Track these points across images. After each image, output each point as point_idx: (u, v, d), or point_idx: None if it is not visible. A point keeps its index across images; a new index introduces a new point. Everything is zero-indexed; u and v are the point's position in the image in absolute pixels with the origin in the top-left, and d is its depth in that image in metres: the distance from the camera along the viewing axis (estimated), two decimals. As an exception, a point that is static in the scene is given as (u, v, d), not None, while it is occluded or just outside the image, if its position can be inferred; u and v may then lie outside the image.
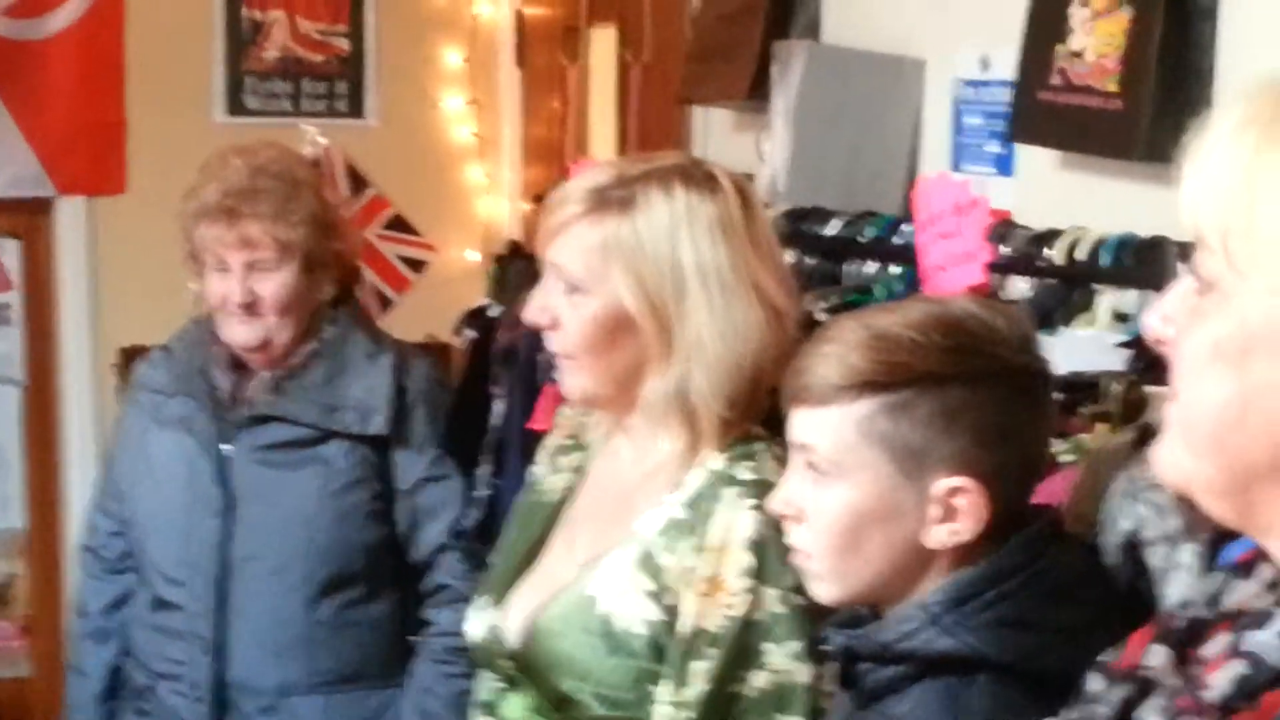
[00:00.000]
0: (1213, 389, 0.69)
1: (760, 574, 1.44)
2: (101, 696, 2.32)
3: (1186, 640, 0.78)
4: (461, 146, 3.46)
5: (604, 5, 3.09)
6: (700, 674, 1.48)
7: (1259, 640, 0.71)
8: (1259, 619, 0.73)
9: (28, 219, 3.29)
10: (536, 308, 1.53)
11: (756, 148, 2.29)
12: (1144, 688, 0.80)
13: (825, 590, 1.21)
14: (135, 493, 2.25)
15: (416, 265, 3.42)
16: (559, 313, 1.52)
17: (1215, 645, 0.74)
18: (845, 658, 1.21)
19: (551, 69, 3.34)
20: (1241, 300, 0.68)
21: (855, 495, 1.16)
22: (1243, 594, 0.77)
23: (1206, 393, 0.70)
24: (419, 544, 2.18)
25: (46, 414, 3.36)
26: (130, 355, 2.77)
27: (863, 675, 1.20)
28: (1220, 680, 0.71)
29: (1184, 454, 0.73)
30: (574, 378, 1.54)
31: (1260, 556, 0.76)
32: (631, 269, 1.49)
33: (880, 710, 1.17)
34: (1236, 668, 0.70)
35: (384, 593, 2.23)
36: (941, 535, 1.14)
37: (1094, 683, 0.85)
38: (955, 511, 1.13)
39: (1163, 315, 0.76)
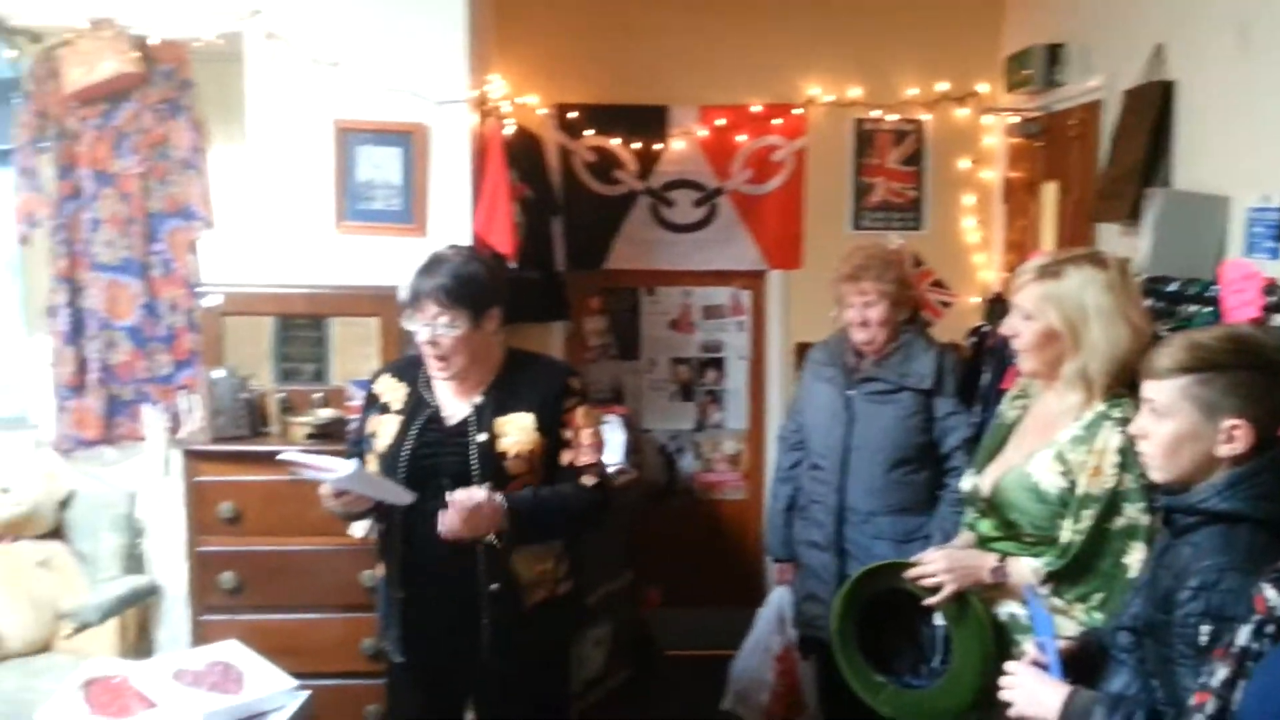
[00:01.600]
0: None
1: (1123, 466, 2.14)
2: (785, 508, 3.53)
3: None
4: (972, 243, 5.07)
5: (1051, 169, 4.30)
6: (1086, 516, 2.16)
7: None
8: None
9: (754, 281, 5.28)
10: (1007, 326, 2.35)
11: (1134, 245, 3.15)
12: None
13: (1157, 476, 1.75)
14: (804, 412, 3.49)
15: (946, 305, 5.08)
16: (1019, 330, 2.32)
17: None
18: (1166, 511, 1.72)
19: (1022, 203, 4.66)
20: None
21: (1175, 427, 1.68)
22: None
23: None
24: (944, 445, 3.23)
25: (759, 374, 5.36)
26: (802, 347, 4.21)
27: (1176, 521, 1.67)
28: None
29: None
30: (1025, 363, 2.36)
31: None
32: (1059, 308, 2.26)
33: (1185, 540, 1.64)
34: None
35: (925, 468, 3.26)
36: (1224, 450, 1.63)
37: None
38: (1233, 438, 1.62)
39: None
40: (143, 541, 3.76)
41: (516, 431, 2.62)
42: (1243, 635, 1.44)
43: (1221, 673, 1.43)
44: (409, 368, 2.78)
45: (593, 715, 3.63)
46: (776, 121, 5.20)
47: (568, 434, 2.67)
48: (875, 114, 5.14)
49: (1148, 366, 1.76)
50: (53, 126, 3.87)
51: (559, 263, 5.25)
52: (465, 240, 3.88)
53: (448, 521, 2.45)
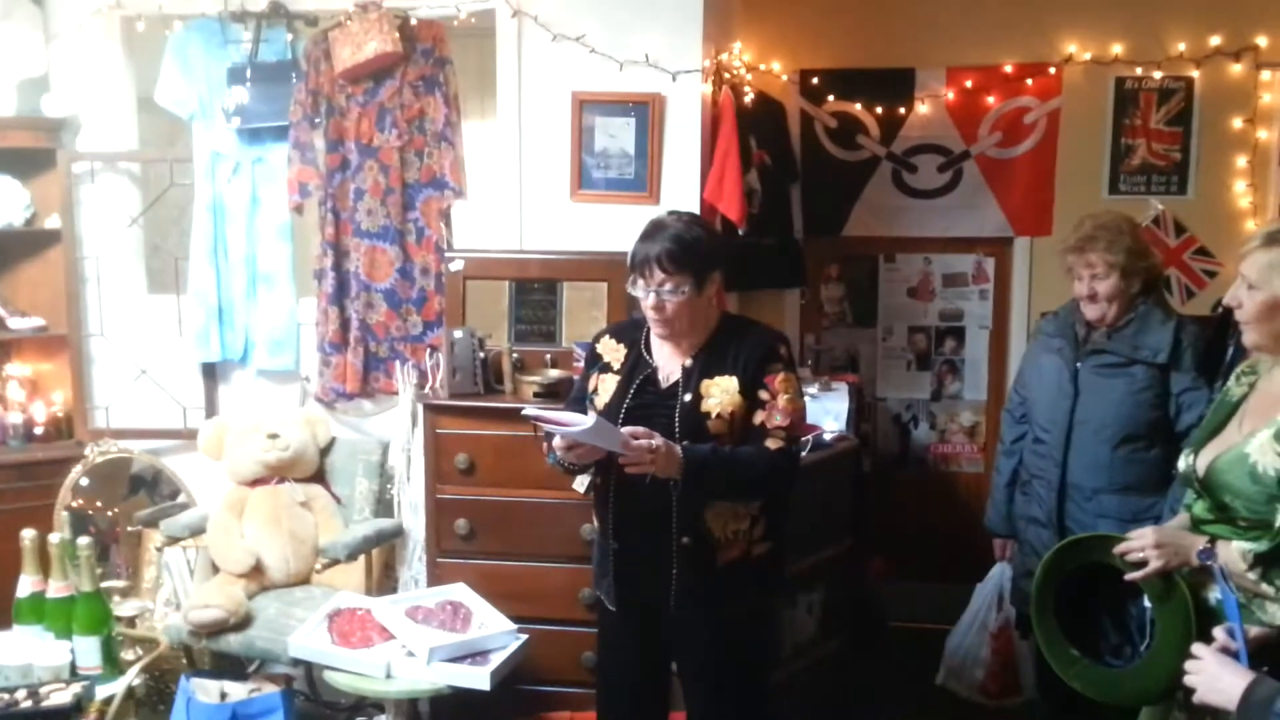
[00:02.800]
0: None
1: None
2: (1007, 483, 3.52)
3: None
4: (1243, 209, 4.83)
5: None
6: None
7: None
8: None
9: (999, 248, 5.21)
10: (1231, 297, 2.29)
11: None
12: None
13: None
14: (1029, 384, 3.45)
15: (1210, 274, 4.88)
16: (1242, 300, 2.25)
17: None
18: None
19: None
20: None
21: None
22: None
23: None
24: (1180, 422, 3.12)
25: (1001, 345, 5.26)
26: (1043, 315, 3.80)
27: None
28: None
29: None
30: (1248, 335, 2.29)
31: None
32: None
33: None
34: None
35: (1156, 445, 3.15)
36: None
37: None
38: None
39: None
40: (392, 487, 4.07)
41: (720, 393, 2.69)
42: None
43: None
44: (629, 330, 2.91)
45: (802, 680, 3.65)
46: (1029, 82, 5.03)
47: (764, 395, 2.71)
48: (1138, 71, 4.89)
49: None
50: (324, 103, 4.21)
51: (796, 230, 5.24)
52: (694, 207, 3.97)
53: (630, 453, 2.56)
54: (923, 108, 5.15)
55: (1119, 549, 2.32)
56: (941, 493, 5.35)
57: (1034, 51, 4.98)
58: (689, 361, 2.75)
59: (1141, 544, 2.29)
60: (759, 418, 2.71)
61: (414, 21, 4.12)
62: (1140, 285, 3.20)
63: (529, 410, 2.65)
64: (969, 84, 5.08)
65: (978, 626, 3.67)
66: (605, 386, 2.82)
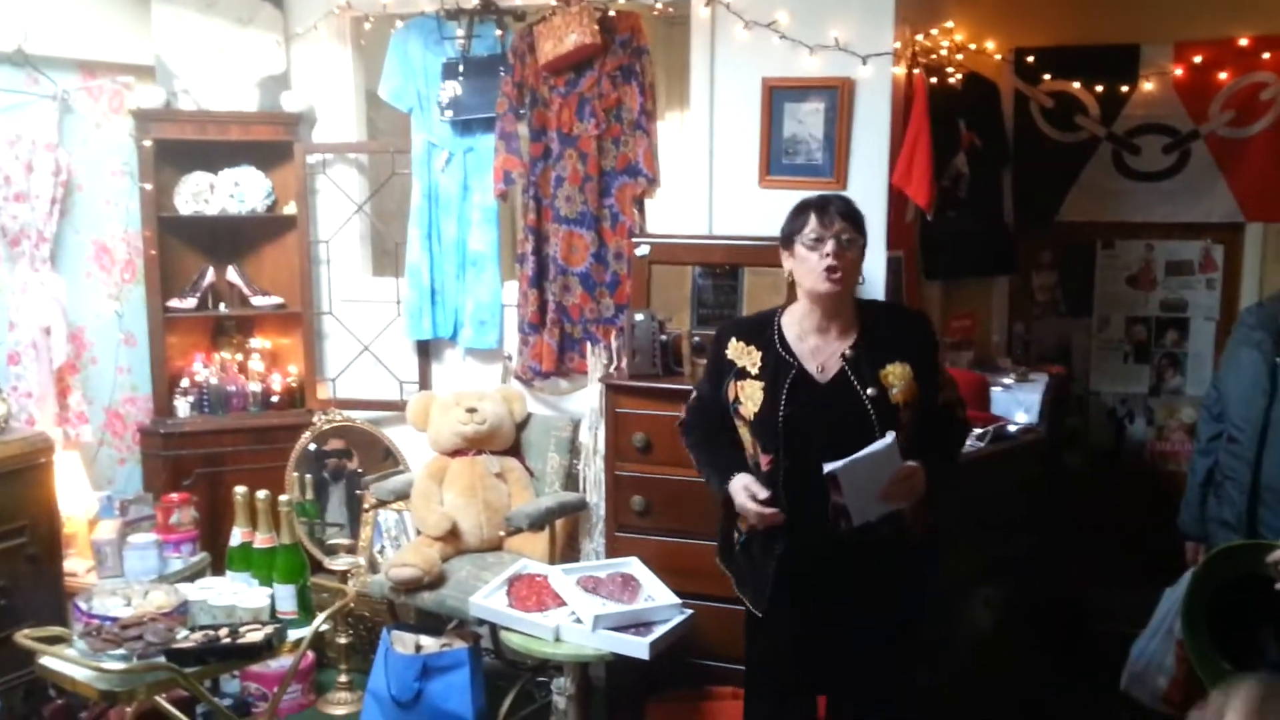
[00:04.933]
0: None
1: None
2: (1201, 483, 3.33)
3: None
4: None
5: None
6: None
7: None
8: None
9: (1229, 234, 4.90)
10: None
11: None
12: None
13: None
14: (1226, 379, 3.28)
15: None
16: None
17: None
18: None
19: None
20: None
21: None
22: None
23: None
24: None
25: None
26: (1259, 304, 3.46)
27: None
28: None
29: None
30: None
31: None
32: None
33: None
34: None
35: None
36: None
37: None
38: None
39: None
40: (579, 463, 4.25)
41: (898, 381, 2.67)
42: None
43: None
44: (756, 329, 2.80)
45: (973, 675, 3.58)
46: (1266, 55, 4.69)
47: (941, 377, 2.79)
48: (1392, 41, 4.46)
49: None
50: (529, 95, 4.42)
51: (1007, 214, 5.09)
52: (881, 192, 3.95)
53: (894, 495, 2.58)
54: (1148, 85, 4.88)
55: (1272, 558, 2.19)
56: (1157, 492, 5.06)
57: (1273, 23, 4.64)
58: (849, 351, 2.70)
59: None
60: (942, 397, 2.78)
61: (612, 13, 4.25)
62: None
63: (832, 467, 2.52)
64: (1199, 59, 4.77)
65: (1164, 633, 3.46)
66: (749, 395, 2.71)
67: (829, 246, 2.65)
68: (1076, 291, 5.26)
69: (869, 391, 2.62)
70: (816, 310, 2.75)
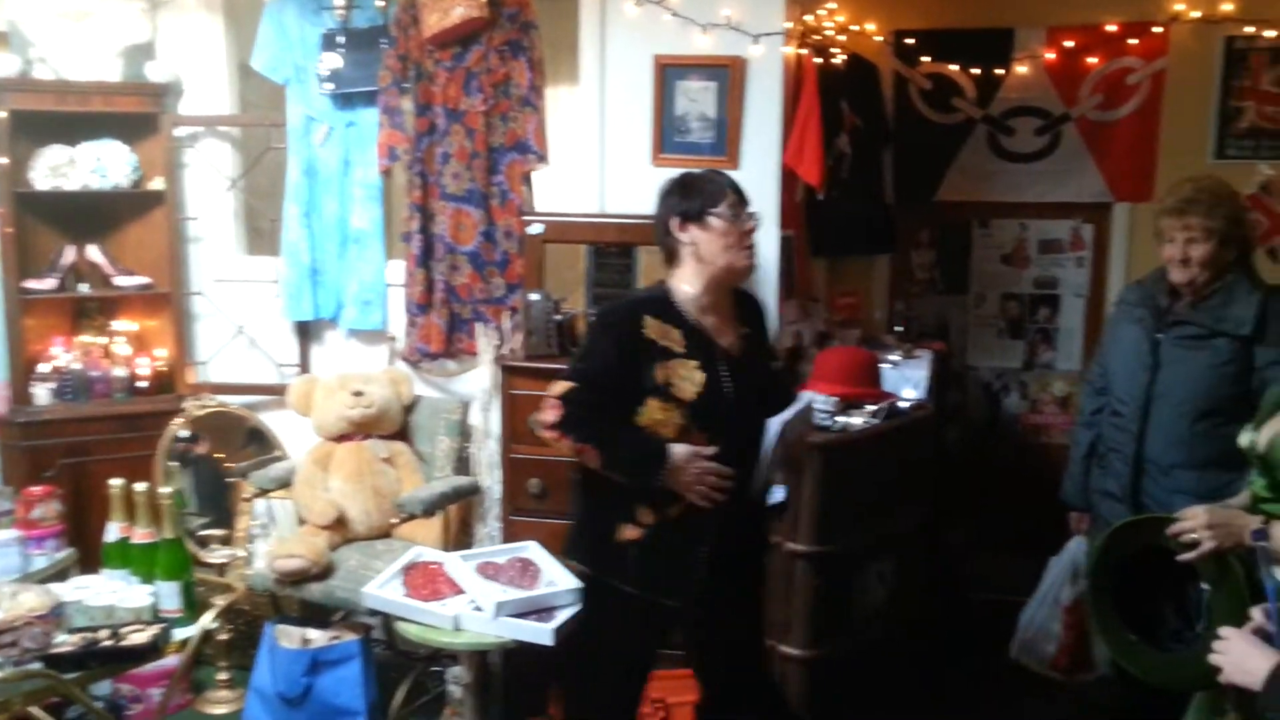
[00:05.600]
0: None
1: None
2: (1084, 455, 3.47)
3: None
4: None
5: None
6: None
7: None
8: None
9: (1098, 213, 5.04)
10: None
11: None
12: None
13: None
14: (1109, 355, 3.37)
15: None
16: None
17: None
18: None
19: None
20: None
21: None
22: None
23: None
24: (1257, 395, 2.73)
25: (1097, 314, 5.03)
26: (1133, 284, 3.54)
27: None
28: None
29: None
30: None
31: None
32: None
33: None
34: None
35: (1235, 421, 2.68)
36: None
37: None
38: None
39: None
40: (471, 446, 4.16)
41: (767, 351, 2.86)
42: None
43: None
44: (662, 306, 2.68)
45: (872, 649, 3.64)
46: (1133, 41, 4.85)
47: (770, 345, 2.98)
48: (1249, 30, 4.65)
49: None
50: (413, 68, 4.28)
51: (888, 194, 5.16)
52: (773, 171, 3.95)
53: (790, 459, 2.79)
54: (1021, 69, 5.01)
55: (1171, 530, 2.26)
56: (1030, 463, 5.24)
57: (1139, 10, 4.80)
58: (745, 328, 2.77)
59: (1193, 525, 2.24)
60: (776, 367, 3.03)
61: (499, -15, 4.14)
62: (1234, 254, 3.10)
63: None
64: (1070, 44, 4.92)
65: (1050, 601, 3.59)
66: (686, 376, 2.61)
67: (751, 223, 2.67)
68: (954, 269, 5.38)
69: (775, 364, 2.73)
70: (717, 288, 2.72)
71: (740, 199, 2.72)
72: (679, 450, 2.58)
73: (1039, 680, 3.73)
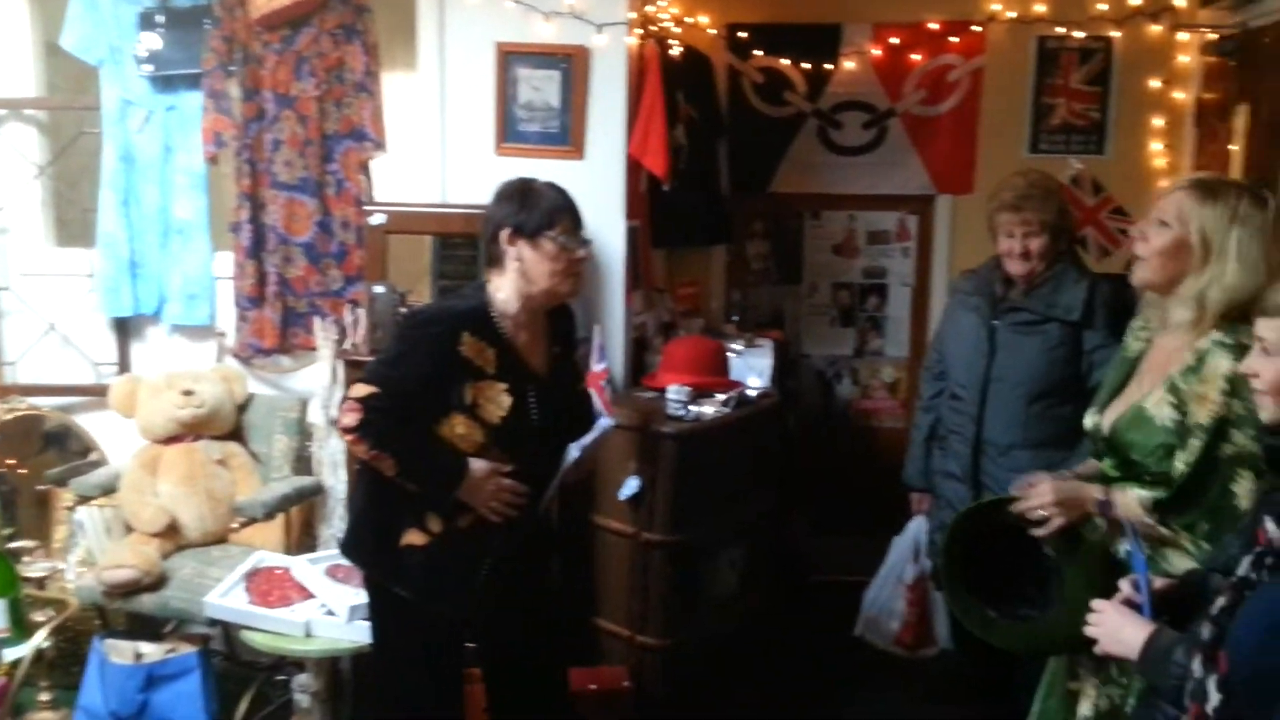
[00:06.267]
0: None
1: (1231, 392, 2.10)
2: (925, 439, 3.58)
3: None
4: (1158, 169, 4.82)
5: (1245, 91, 4.10)
6: (1195, 445, 2.15)
7: None
8: None
9: (922, 205, 5.20)
10: (1136, 230, 2.34)
11: None
12: None
13: (1267, 415, 1.72)
14: (947, 341, 3.48)
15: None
16: (1148, 234, 2.28)
17: None
18: (1271, 452, 1.87)
19: (1213, 127, 4.48)
20: None
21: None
22: None
23: None
24: (1092, 379, 3.09)
25: (923, 302, 5.25)
26: (962, 274, 3.72)
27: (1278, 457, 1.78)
28: None
29: None
30: (1143, 270, 2.31)
31: None
32: (1201, 226, 2.20)
33: None
34: None
35: (1069, 402, 3.10)
36: None
37: None
38: None
39: None
40: (311, 444, 4.00)
41: (578, 373, 2.86)
42: (1243, 566, 1.44)
43: (1220, 601, 1.43)
44: (479, 323, 2.58)
45: (724, 635, 3.68)
46: (954, 39, 5.04)
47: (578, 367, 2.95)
48: (1060, 31, 4.88)
49: (1262, 304, 1.71)
50: (239, 51, 4.09)
51: (723, 186, 5.23)
52: (619, 162, 3.94)
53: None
54: (849, 64, 5.14)
55: (1017, 508, 2.35)
56: (863, 448, 5.40)
57: (959, 9, 4.98)
58: (557, 348, 2.75)
59: (1040, 502, 2.33)
60: (580, 386, 2.95)
61: (333, -33, 3.99)
62: (1064, 244, 3.24)
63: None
64: (895, 41, 5.07)
65: (893, 580, 3.73)
66: (493, 399, 2.55)
67: (583, 252, 2.63)
68: (788, 260, 5.49)
69: (579, 387, 2.69)
70: (534, 307, 2.66)
71: (576, 223, 2.63)
72: (478, 466, 2.54)
73: (884, 656, 3.87)
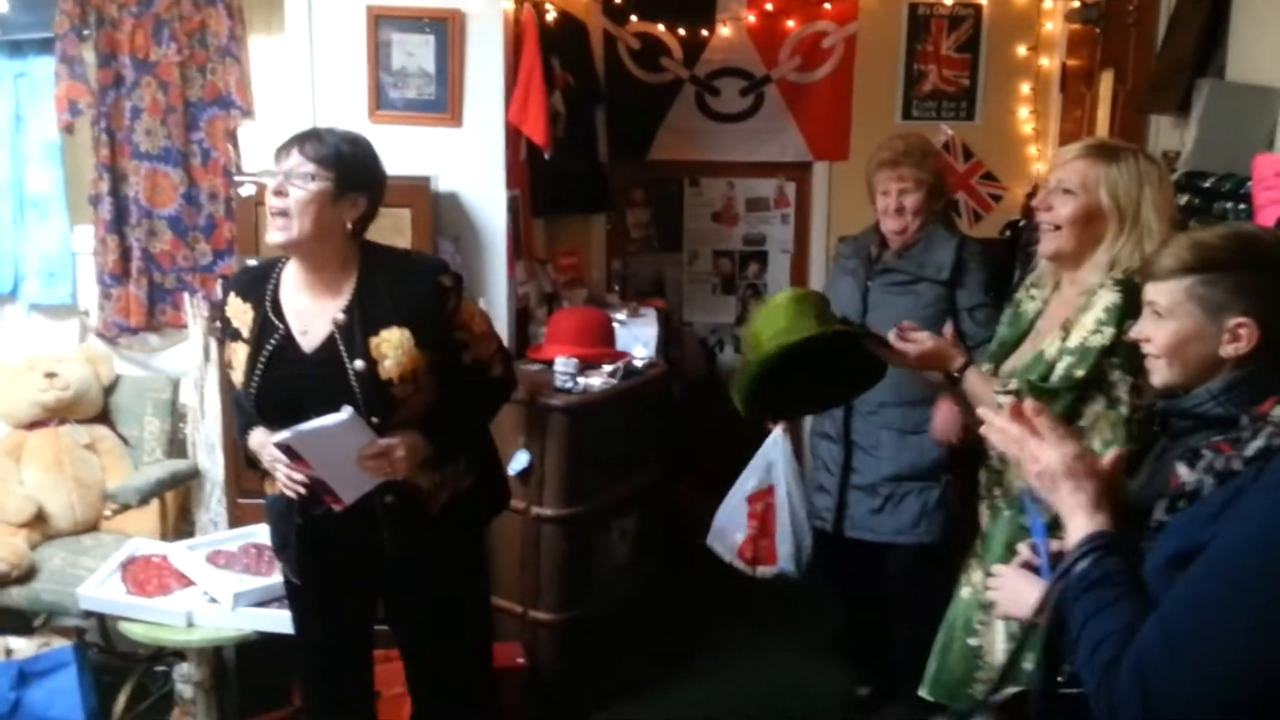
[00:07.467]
0: None
1: (1107, 321, 2.15)
2: None
3: None
4: (1026, 135, 5.00)
5: (1109, 58, 4.26)
6: (1069, 364, 2.21)
7: None
8: None
9: (800, 172, 5.29)
10: (1040, 200, 2.34)
11: (1181, 138, 3.29)
12: None
13: (1159, 379, 1.70)
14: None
15: (996, 198, 5.08)
16: (1054, 204, 2.28)
17: None
18: (1163, 415, 1.74)
19: (1078, 93, 4.66)
20: None
21: (1178, 328, 1.64)
22: None
23: None
24: (972, 337, 3.10)
25: (802, 268, 5.34)
26: (841, 239, 3.92)
27: (1173, 423, 1.71)
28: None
29: None
30: (1053, 241, 2.30)
31: None
32: (1111, 190, 2.22)
33: (1180, 442, 1.66)
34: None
35: None
36: (1229, 349, 1.60)
37: None
38: (1238, 336, 1.59)
39: None
40: (185, 426, 3.86)
41: (394, 351, 2.32)
42: (1159, 511, 1.47)
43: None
44: (255, 283, 2.44)
45: (619, 604, 3.69)
46: (827, 6, 5.08)
47: (462, 335, 2.46)
48: (930, -2, 4.97)
49: (1150, 269, 1.71)
50: (93, 14, 3.89)
51: (602, 153, 5.18)
52: (498, 130, 3.87)
53: (373, 469, 2.31)
54: (725, 30, 5.14)
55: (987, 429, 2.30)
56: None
57: (832, -25, 5.01)
58: (341, 316, 2.34)
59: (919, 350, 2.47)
60: (469, 357, 2.49)
61: (191, -74, 3.81)
62: (939, 205, 3.32)
63: (280, 437, 2.27)
64: (769, 7, 5.09)
65: (739, 499, 3.77)
66: (237, 361, 2.41)
67: (274, 182, 2.31)
68: (668, 227, 5.49)
69: (356, 365, 2.29)
70: (299, 264, 2.41)
71: (281, 155, 2.34)
72: (254, 434, 2.45)
73: (773, 613, 3.91)
